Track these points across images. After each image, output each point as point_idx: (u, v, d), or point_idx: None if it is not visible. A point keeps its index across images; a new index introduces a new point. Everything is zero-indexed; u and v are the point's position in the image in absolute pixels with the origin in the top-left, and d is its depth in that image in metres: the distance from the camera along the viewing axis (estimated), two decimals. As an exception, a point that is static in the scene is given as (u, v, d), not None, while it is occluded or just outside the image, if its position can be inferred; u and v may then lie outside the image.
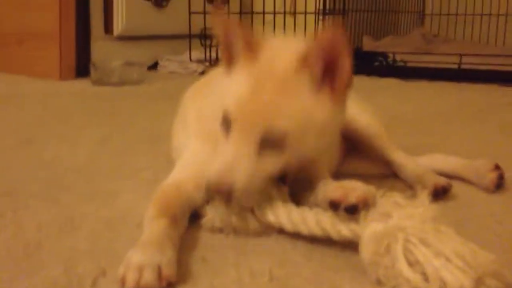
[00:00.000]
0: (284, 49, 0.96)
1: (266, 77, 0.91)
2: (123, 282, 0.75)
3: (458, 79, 3.11)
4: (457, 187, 1.22)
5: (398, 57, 3.43)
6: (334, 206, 0.86)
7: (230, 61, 0.97)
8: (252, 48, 0.93)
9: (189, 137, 1.12)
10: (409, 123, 1.97)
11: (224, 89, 0.96)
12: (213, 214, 0.93)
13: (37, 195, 1.14)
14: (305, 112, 0.91)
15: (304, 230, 0.87)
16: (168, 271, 0.77)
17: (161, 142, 1.46)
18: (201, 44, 3.24)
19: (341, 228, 0.83)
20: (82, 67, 3.02)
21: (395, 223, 0.75)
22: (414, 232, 0.74)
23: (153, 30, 3.42)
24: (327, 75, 0.92)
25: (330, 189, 0.89)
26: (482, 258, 0.71)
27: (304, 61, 0.90)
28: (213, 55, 3.25)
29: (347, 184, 0.89)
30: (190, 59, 3.29)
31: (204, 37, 3.20)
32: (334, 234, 0.84)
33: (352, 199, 0.86)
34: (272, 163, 0.90)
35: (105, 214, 1.03)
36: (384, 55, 3.46)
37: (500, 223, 1.03)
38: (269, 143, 0.89)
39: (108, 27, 3.22)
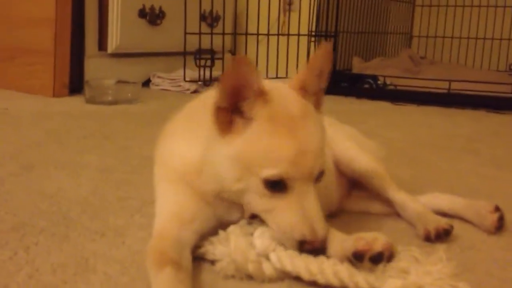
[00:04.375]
0: (282, 86, 0.99)
1: (291, 120, 0.91)
2: None
3: (447, 103, 3.18)
4: (458, 227, 1.25)
5: (388, 80, 3.49)
6: (359, 256, 0.88)
7: (230, 121, 0.91)
8: (262, 94, 0.91)
9: (159, 181, 1.08)
10: (401, 153, 2.01)
11: (240, 154, 0.90)
12: (227, 261, 0.94)
13: (45, 231, 1.14)
14: (324, 133, 0.98)
15: (321, 279, 0.89)
16: None
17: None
18: (195, 64, 3.25)
19: (359, 280, 0.85)
20: (75, 84, 3.02)
21: (413, 280, 0.77)
22: None
23: (147, 48, 3.44)
24: (315, 91, 0.99)
25: (349, 241, 0.91)
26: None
27: (304, 89, 0.96)
28: (207, 74, 3.27)
29: (364, 235, 0.92)
30: (185, 79, 3.29)
31: (199, 57, 3.22)
32: (351, 286, 0.86)
33: (378, 247, 0.89)
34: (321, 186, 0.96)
35: (117, 255, 1.04)
36: (374, 77, 3.52)
37: (503, 268, 1.06)
38: (319, 176, 0.94)
39: (102, 44, 3.22)
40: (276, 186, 0.90)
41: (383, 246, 0.89)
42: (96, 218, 1.24)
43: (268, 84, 0.95)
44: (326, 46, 0.94)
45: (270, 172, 0.89)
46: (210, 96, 0.95)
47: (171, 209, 1.02)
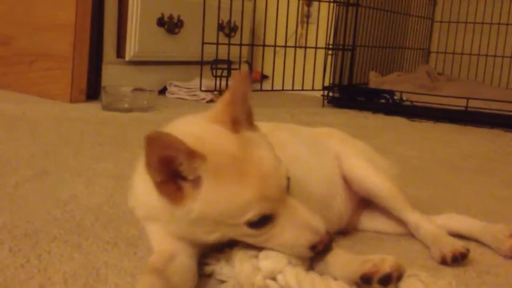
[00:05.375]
0: (203, 131, 0.91)
1: (235, 157, 0.86)
2: None
3: (464, 121, 3.15)
4: (474, 251, 1.23)
5: (404, 96, 3.47)
6: (366, 279, 0.87)
7: (177, 190, 0.86)
8: (193, 152, 0.83)
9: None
10: (416, 171, 1.98)
11: (206, 214, 0.86)
12: (232, 284, 0.93)
13: (58, 239, 1.14)
14: (270, 147, 0.95)
15: (328, 302, 0.87)
16: None
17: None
18: (212, 74, 3.26)
19: None
20: (92, 90, 3.04)
21: None
22: None
23: (164, 56, 3.45)
24: (243, 112, 0.93)
25: (355, 263, 0.90)
26: None
27: (235, 120, 0.91)
28: (223, 84, 3.28)
29: (372, 257, 0.91)
30: (201, 89, 3.31)
31: (216, 66, 3.23)
32: None
33: (386, 268, 0.87)
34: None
35: (128, 267, 1.03)
36: (390, 92, 3.50)
37: (520, 295, 1.04)
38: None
39: (120, 51, 3.24)
40: (262, 220, 0.88)
41: (391, 267, 0.87)
42: (109, 227, 1.24)
43: (185, 132, 0.88)
44: (240, 72, 0.94)
45: (248, 217, 0.86)
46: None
47: (155, 248, 1.00)
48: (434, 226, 1.27)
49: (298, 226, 0.91)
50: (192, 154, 0.83)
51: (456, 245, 1.18)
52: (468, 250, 1.17)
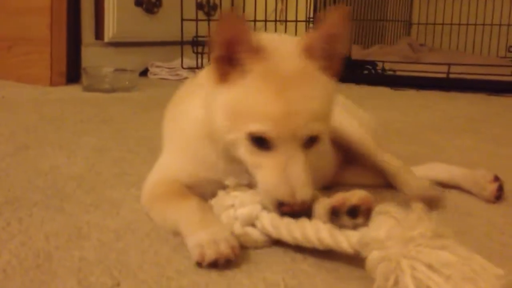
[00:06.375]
0: (285, 45, 0.96)
1: (287, 79, 0.89)
2: (202, 258, 0.83)
3: (447, 88, 3.16)
4: (457, 197, 1.25)
5: (386, 66, 3.47)
6: (335, 212, 0.88)
7: (228, 71, 0.92)
8: (258, 50, 0.90)
9: (164, 145, 1.17)
10: (400, 133, 1.99)
11: (231, 105, 0.92)
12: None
13: (39, 204, 1.13)
14: (327, 99, 0.95)
15: (306, 244, 0.87)
16: (234, 242, 0.86)
17: (159, 151, 1.46)
18: (193, 51, 3.23)
19: (342, 240, 0.83)
20: (72, 73, 3.01)
21: (397, 251, 0.74)
22: (419, 257, 0.72)
23: (144, 37, 3.41)
24: (327, 53, 0.94)
25: (328, 200, 0.90)
26: (492, 275, 0.71)
27: (310, 50, 0.92)
28: (205, 62, 3.25)
29: (344, 193, 0.91)
30: (182, 67, 3.28)
31: (196, 44, 3.20)
32: (335, 247, 0.84)
33: (353, 200, 0.88)
34: (313, 157, 0.93)
35: (111, 224, 1.03)
36: (373, 63, 3.50)
37: (502, 233, 1.05)
38: (311, 141, 0.92)
39: (98, 33, 3.20)
40: (261, 142, 0.90)
41: (358, 200, 0.88)
42: (91, 192, 1.23)
43: (272, 39, 0.96)
44: (341, 10, 0.91)
45: (254, 127, 0.88)
46: None
47: (175, 171, 1.07)
48: (401, 163, 1.27)
49: (283, 177, 0.89)
50: (257, 49, 0.89)
51: (428, 189, 1.19)
52: (439, 196, 1.19)
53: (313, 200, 0.92)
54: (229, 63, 0.91)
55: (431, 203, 1.13)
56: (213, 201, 0.98)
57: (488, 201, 1.22)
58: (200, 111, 1.01)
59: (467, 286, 0.68)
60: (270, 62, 0.90)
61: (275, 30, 3.47)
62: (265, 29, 3.44)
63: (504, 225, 1.09)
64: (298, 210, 0.89)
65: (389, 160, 1.26)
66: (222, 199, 0.96)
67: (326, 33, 0.92)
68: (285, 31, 3.50)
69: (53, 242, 0.94)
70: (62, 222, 1.03)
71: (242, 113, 0.90)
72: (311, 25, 3.52)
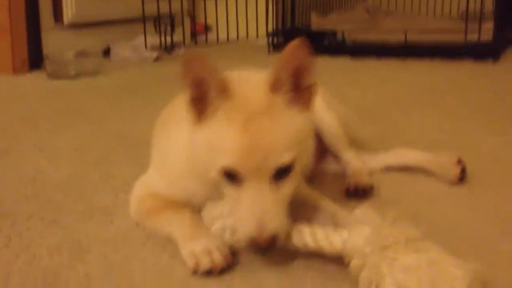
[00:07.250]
0: (251, 82, 0.97)
1: (251, 115, 0.90)
2: (196, 267, 0.92)
3: (405, 54, 3.28)
4: (423, 181, 1.35)
5: (346, 35, 3.55)
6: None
7: (202, 110, 0.94)
8: (225, 89, 0.92)
9: (152, 159, 1.20)
10: (363, 111, 2.04)
11: (206, 143, 0.94)
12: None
13: (34, 217, 1.18)
14: (297, 130, 0.94)
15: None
16: (226, 251, 0.95)
17: (139, 147, 1.51)
18: (155, 30, 3.23)
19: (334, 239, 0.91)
20: (34, 59, 2.97)
21: (376, 258, 0.82)
22: (395, 263, 0.80)
23: (104, 16, 3.38)
24: (295, 86, 0.94)
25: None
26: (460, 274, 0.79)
27: (275, 85, 0.92)
28: (168, 40, 3.25)
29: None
30: (146, 47, 3.27)
31: (159, 22, 3.19)
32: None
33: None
34: (289, 188, 0.93)
35: (107, 234, 1.09)
36: (333, 34, 3.58)
37: (468, 219, 1.16)
38: (281, 173, 0.92)
39: (57, 15, 3.15)
40: (233, 177, 0.91)
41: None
42: (81, 200, 1.28)
43: (239, 77, 0.97)
44: (298, 41, 0.90)
45: (223, 163, 0.90)
46: None
47: (161, 192, 1.11)
48: (361, 164, 1.38)
49: (250, 212, 0.90)
50: (223, 88, 0.92)
51: (362, 180, 1.29)
52: (371, 188, 1.29)
53: (286, 232, 0.92)
54: (202, 102, 0.94)
55: (358, 195, 1.26)
56: (202, 212, 1.04)
57: (452, 182, 1.33)
58: (185, 146, 1.02)
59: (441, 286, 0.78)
60: (236, 100, 0.92)
61: (236, 3, 3.48)
62: (226, 3, 3.44)
63: (469, 210, 1.19)
64: (265, 246, 0.89)
65: (350, 160, 1.38)
66: (211, 210, 1.03)
67: (291, 66, 0.92)
68: (246, 4, 3.51)
69: (56, 259, 0.99)
70: (60, 235, 1.09)
71: (215, 149, 0.92)
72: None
